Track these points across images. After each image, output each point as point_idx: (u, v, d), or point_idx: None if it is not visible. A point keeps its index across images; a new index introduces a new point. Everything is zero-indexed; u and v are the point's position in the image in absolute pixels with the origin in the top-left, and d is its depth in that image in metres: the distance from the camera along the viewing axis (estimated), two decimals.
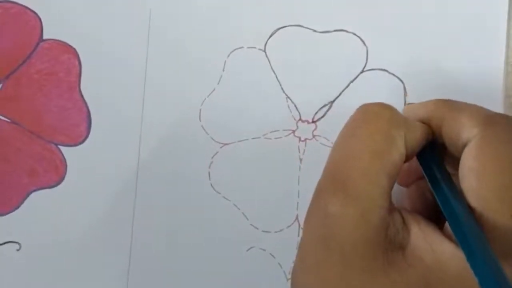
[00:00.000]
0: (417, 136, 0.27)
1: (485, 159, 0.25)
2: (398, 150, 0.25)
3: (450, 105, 0.28)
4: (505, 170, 0.24)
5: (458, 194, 0.26)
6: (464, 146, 0.26)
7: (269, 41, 0.35)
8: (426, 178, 0.27)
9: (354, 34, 0.35)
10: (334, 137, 0.34)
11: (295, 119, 0.35)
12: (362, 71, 0.35)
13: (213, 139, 0.35)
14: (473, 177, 0.25)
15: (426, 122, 0.28)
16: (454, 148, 0.27)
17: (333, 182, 0.25)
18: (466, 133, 0.26)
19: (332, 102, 0.35)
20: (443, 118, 0.27)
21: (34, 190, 0.36)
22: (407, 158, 0.27)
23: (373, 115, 0.26)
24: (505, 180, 0.24)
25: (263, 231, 0.35)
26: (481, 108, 0.27)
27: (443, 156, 0.29)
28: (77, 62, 0.36)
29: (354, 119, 0.27)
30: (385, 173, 0.25)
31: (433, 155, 0.28)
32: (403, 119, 0.27)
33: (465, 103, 0.28)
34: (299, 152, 0.35)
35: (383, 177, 0.25)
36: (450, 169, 0.28)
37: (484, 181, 0.24)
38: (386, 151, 0.25)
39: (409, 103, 0.31)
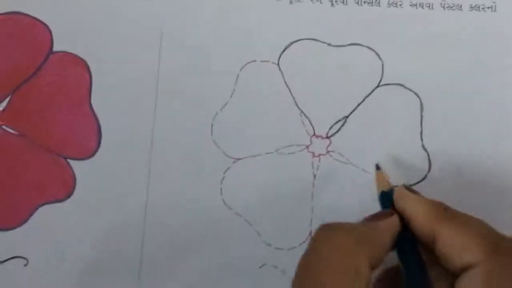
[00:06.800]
0: (382, 252, 0.26)
1: None
2: (365, 281, 0.25)
3: (450, 219, 0.26)
4: None
5: None
6: (464, 267, 0.25)
7: (283, 54, 0.35)
8: (403, 269, 0.27)
9: (369, 48, 0.34)
10: (348, 153, 0.34)
11: (309, 134, 0.34)
12: (378, 86, 0.34)
13: (225, 154, 0.35)
14: None
15: (413, 221, 0.27)
16: (448, 264, 0.26)
17: None
18: (469, 257, 0.25)
19: (347, 117, 0.34)
20: (440, 232, 0.26)
21: (42, 204, 0.36)
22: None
23: (337, 249, 0.25)
24: None
25: (276, 248, 0.34)
26: (485, 226, 0.26)
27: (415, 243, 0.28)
28: (87, 75, 0.36)
29: (317, 250, 0.26)
30: None
31: (409, 244, 0.27)
32: (367, 245, 0.26)
33: (467, 217, 0.27)
34: (312, 168, 0.34)
35: None
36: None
37: None
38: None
39: (404, 184, 0.30)
